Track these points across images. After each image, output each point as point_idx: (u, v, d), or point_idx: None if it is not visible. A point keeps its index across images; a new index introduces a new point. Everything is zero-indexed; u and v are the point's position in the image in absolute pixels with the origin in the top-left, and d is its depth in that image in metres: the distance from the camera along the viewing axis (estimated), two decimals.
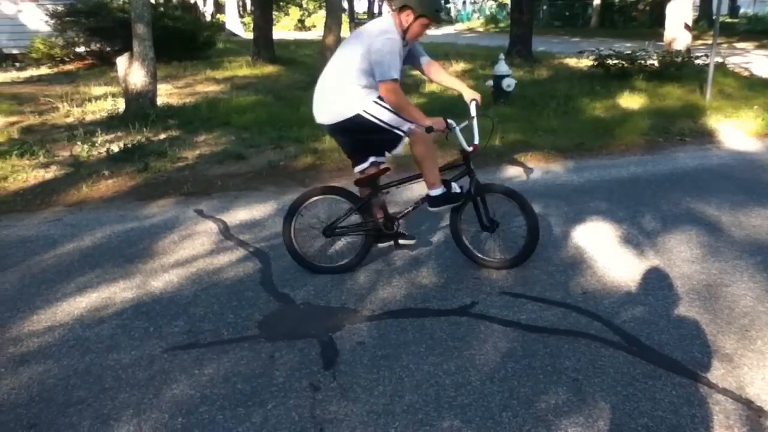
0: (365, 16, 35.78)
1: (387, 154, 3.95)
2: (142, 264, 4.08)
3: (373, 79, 3.56)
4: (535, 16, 21.71)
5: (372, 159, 3.92)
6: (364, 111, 3.63)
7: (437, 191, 3.83)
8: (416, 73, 13.28)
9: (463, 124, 3.80)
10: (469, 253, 4.02)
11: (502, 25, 35.11)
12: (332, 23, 11.68)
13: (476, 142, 3.79)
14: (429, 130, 3.55)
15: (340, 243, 4.22)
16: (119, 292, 3.70)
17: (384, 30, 3.55)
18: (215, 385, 2.79)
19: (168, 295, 3.65)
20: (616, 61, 11.58)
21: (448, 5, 52.27)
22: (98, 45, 14.52)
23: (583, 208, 5.08)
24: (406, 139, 3.78)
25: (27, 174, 5.92)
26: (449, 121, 3.66)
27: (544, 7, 36.33)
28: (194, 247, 4.35)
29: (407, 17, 3.59)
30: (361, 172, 3.95)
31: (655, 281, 3.78)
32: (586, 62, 13.08)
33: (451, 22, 44.97)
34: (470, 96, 3.90)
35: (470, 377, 2.82)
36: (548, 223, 4.74)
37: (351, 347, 3.09)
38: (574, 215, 4.92)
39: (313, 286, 3.75)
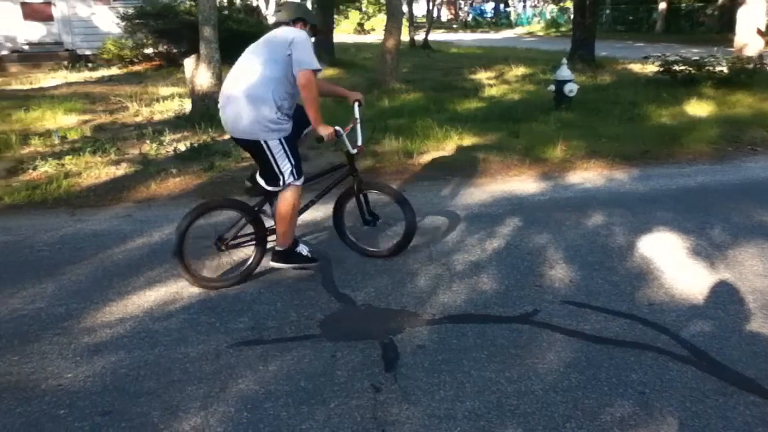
0: (423, 20, 35.76)
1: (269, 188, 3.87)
2: (208, 260, 4.18)
3: (287, 93, 3.61)
4: (598, 20, 21.26)
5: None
6: (265, 142, 3.62)
7: (283, 248, 3.89)
8: (476, 77, 13.24)
9: (348, 129, 3.90)
10: (351, 244, 4.28)
11: (563, 29, 34.61)
12: (392, 27, 11.76)
13: (360, 143, 3.96)
14: (320, 140, 3.69)
15: (234, 255, 4.00)
16: (186, 287, 3.81)
17: (298, 32, 3.64)
18: (279, 382, 2.85)
19: (233, 292, 3.75)
20: (683, 67, 11.24)
21: (507, 9, 51.81)
22: (165, 47, 15.00)
23: (649, 218, 4.95)
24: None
25: (99, 170, 6.17)
26: (337, 128, 3.76)
27: (607, 11, 35.58)
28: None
29: (302, 28, 3.77)
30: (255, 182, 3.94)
31: (725, 295, 3.65)
32: (651, 68, 12.75)
33: (510, 25, 44.55)
34: (353, 97, 4.08)
35: (533, 386, 2.79)
36: (612, 232, 4.64)
37: (411, 350, 3.10)
38: (639, 224, 4.80)
39: (373, 288, 3.78)
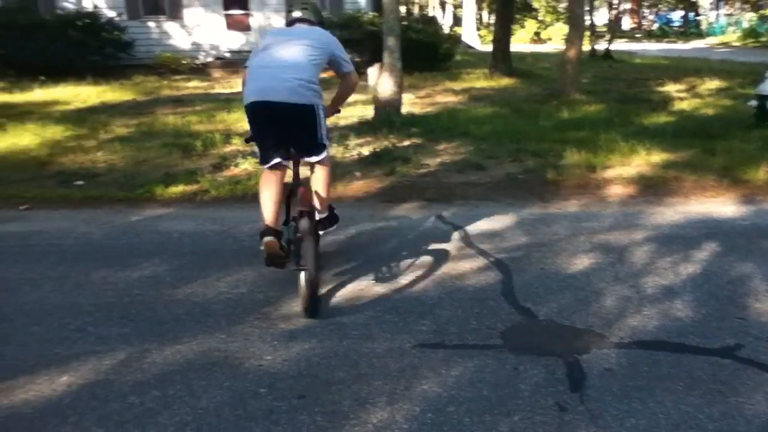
0: (605, 29, 34.28)
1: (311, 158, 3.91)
2: (391, 261, 4.33)
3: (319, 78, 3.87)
4: None
5: (278, 159, 3.85)
6: (318, 107, 3.81)
7: (326, 213, 4.10)
8: (664, 89, 12.48)
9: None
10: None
11: (763, 39, 31.48)
12: (574, 37, 11.47)
13: None
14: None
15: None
16: (371, 285, 3.97)
17: (331, 35, 4.08)
18: (462, 388, 2.87)
19: (415, 295, 3.84)
20: None
21: (698, 17, 48.22)
22: (349, 55, 15.72)
23: None
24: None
25: None
26: None
27: None
28: (437, 251, 4.52)
29: None
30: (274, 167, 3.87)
31: None
32: None
33: (700, 35, 41.41)
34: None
35: (738, 427, 2.57)
36: None
37: (599, 372, 2.98)
38: None
39: (556, 304, 3.69)
